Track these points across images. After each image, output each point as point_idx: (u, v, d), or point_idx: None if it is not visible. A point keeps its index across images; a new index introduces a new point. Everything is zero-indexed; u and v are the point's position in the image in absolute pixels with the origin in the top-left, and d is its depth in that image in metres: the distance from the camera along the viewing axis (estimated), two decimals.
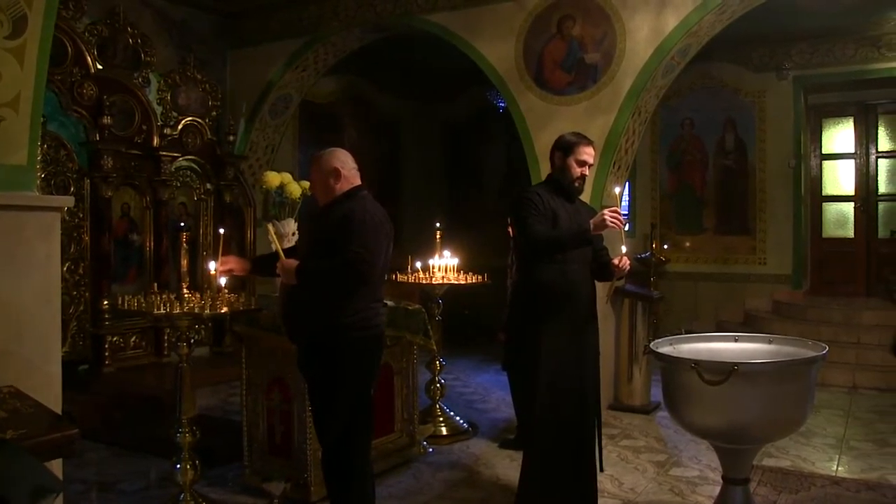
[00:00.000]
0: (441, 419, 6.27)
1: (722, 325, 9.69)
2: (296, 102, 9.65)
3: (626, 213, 11.18)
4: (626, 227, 4.25)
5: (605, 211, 3.97)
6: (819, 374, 8.14)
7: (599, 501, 4.55)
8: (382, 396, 5.24)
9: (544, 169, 6.57)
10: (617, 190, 4.56)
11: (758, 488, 5.00)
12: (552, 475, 4.21)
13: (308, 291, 3.81)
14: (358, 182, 3.97)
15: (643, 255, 10.22)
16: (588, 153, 4.35)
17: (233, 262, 4.31)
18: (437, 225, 6.35)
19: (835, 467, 5.61)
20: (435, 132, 12.64)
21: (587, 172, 4.38)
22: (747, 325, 9.67)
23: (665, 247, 10.61)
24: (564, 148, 4.33)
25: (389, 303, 5.24)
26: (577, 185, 4.35)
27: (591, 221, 4.02)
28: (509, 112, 7.48)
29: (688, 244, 10.87)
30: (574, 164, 4.30)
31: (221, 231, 4.87)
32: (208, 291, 4.36)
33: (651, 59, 6.79)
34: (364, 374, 3.93)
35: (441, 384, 6.40)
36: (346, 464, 3.88)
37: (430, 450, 5.83)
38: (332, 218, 3.82)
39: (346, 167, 3.93)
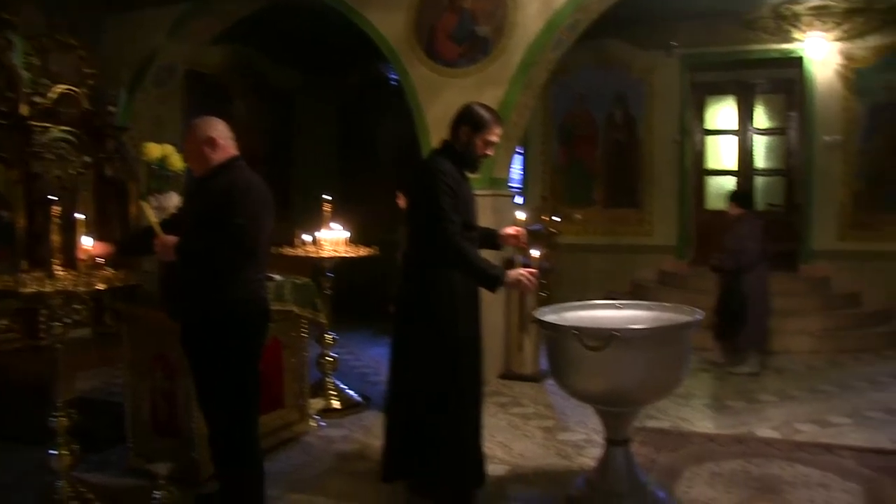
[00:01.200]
0: (333, 393, 6.25)
1: (611, 296, 9.87)
2: (181, 72, 9.34)
3: (519, 186, 11.32)
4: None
5: (524, 274, 3.98)
6: (698, 340, 8.52)
7: (490, 467, 4.64)
8: (271, 371, 5.18)
9: (435, 141, 6.56)
10: (522, 215, 4.51)
11: (640, 448, 5.17)
12: (475, 442, 4.29)
13: (189, 267, 3.71)
14: (235, 152, 3.85)
15: (534, 228, 10.37)
16: (498, 134, 4.24)
17: (95, 248, 4.12)
18: (326, 197, 6.27)
19: (710, 425, 5.92)
20: (329, 105, 12.46)
21: (491, 153, 4.31)
22: (635, 294, 9.95)
23: (556, 219, 10.79)
24: (476, 125, 4.15)
25: (277, 276, 5.19)
26: (478, 163, 4.28)
27: (509, 280, 3.96)
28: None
29: (578, 216, 11.08)
30: (481, 144, 4.18)
31: (80, 216, 4.56)
32: (83, 268, 4.15)
33: (542, 33, 6.85)
34: (249, 349, 3.85)
35: (332, 358, 6.36)
36: (234, 441, 3.81)
37: (322, 424, 5.80)
38: (210, 190, 3.71)
39: (223, 136, 3.81)
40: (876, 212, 9.96)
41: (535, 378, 7.16)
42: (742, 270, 7.41)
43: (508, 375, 7.25)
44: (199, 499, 4.23)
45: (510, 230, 4.46)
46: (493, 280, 3.97)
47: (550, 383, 6.92)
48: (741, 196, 7.91)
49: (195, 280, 3.71)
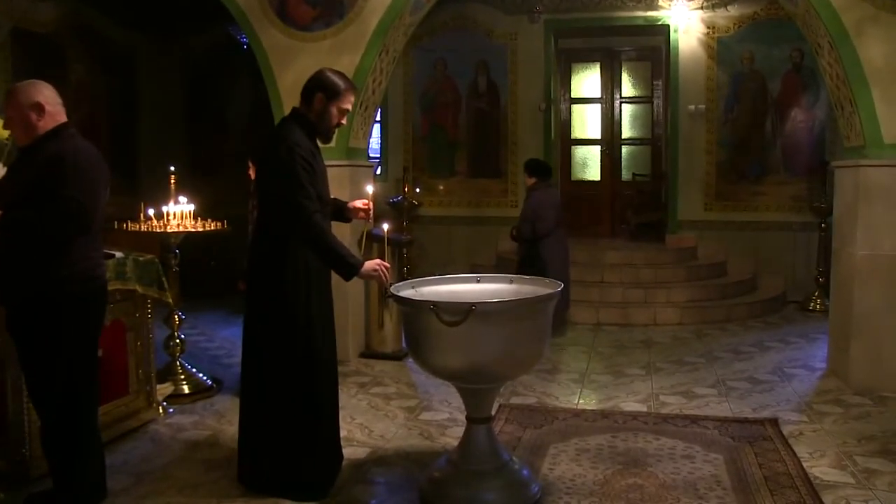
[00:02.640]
0: (182, 377, 6.16)
1: (476, 269, 10.13)
2: (6, 30, 8.87)
3: (378, 156, 11.36)
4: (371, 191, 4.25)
5: (381, 267, 4.06)
6: (567, 313, 8.77)
7: (349, 450, 4.76)
8: (113, 356, 5.07)
9: (289, 110, 6.49)
10: (371, 189, 4.54)
11: (504, 426, 5.37)
12: (332, 425, 4.35)
13: (15, 244, 3.58)
14: (64, 119, 3.73)
15: (395, 200, 10.46)
16: (352, 101, 4.29)
17: None
18: (172, 169, 6.14)
19: (576, 400, 6.15)
20: (175, 69, 12.08)
21: (344, 122, 4.34)
22: (500, 267, 10.13)
23: (417, 190, 10.90)
24: (330, 92, 4.17)
25: (118, 253, 5.06)
26: (332, 133, 4.31)
27: (365, 271, 4.04)
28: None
29: (441, 188, 11.24)
30: (335, 112, 4.20)
31: None
32: None
33: None
34: (85, 332, 3.77)
35: (181, 340, 6.28)
36: (69, 434, 3.72)
37: (171, 410, 5.72)
38: (37, 160, 3.59)
39: (51, 102, 3.69)
40: (739, 181, 10.56)
41: (396, 356, 7.26)
42: (539, 238, 7.78)
43: (369, 354, 7.33)
44: (31, 499, 4.07)
45: (358, 203, 4.51)
46: (350, 269, 4.05)
47: (413, 361, 7.05)
48: (535, 166, 8.34)
49: (22, 258, 3.59)
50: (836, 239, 6.86)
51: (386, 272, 4.13)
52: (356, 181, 7.00)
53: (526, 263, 7.81)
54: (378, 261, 4.14)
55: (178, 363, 6.23)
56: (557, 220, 7.92)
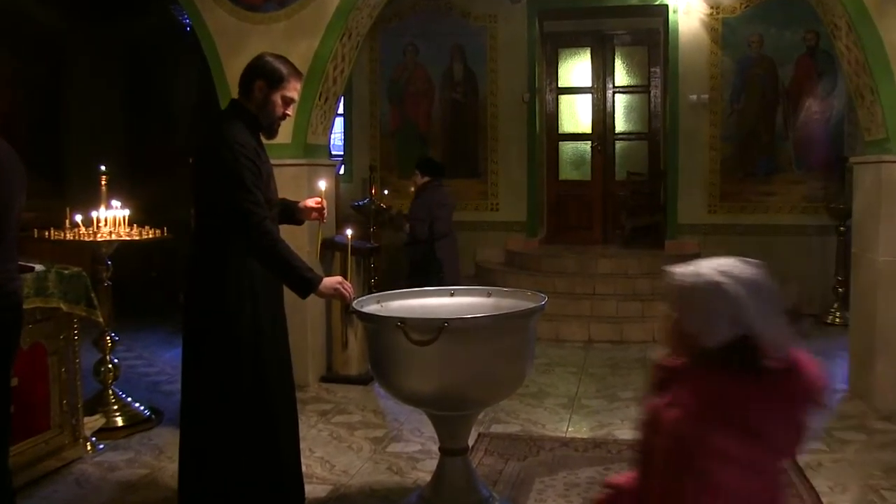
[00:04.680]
0: (116, 407, 6.05)
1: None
2: None
3: (342, 153, 11.28)
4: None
5: (342, 284, 3.97)
6: (555, 329, 8.84)
7: (308, 488, 4.63)
8: (31, 384, 4.96)
9: None
10: (323, 185, 4.48)
11: (484, 458, 5.33)
12: (290, 461, 4.25)
13: None
14: None
15: (361, 203, 10.38)
16: (298, 89, 4.24)
17: None
18: (103, 168, 6.04)
19: (565, 428, 6.11)
20: (111, 55, 11.97)
21: (290, 113, 4.26)
22: (479, 277, 10.13)
23: (386, 192, 10.82)
24: (271, 79, 4.09)
25: (38, 266, 4.96)
26: (277, 126, 4.22)
27: (324, 288, 3.93)
28: None
29: (412, 189, 11.13)
30: (279, 102, 4.13)
31: None
32: None
33: None
34: None
35: (114, 364, 6.18)
36: None
37: (101, 446, 5.60)
38: None
39: None
40: (746, 180, 10.54)
41: (362, 380, 7.19)
42: (436, 238, 7.95)
43: (331, 377, 7.28)
44: None
45: (310, 202, 4.42)
46: (307, 285, 3.93)
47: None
48: (427, 164, 8.57)
49: None
50: (855, 243, 6.84)
51: (348, 291, 4.03)
52: (310, 175, 6.92)
53: (421, 266, 7.95)
54: (339, 278, 4.05)
55: (110, 392, 6.12)
56: (450, 220, 8.15)
